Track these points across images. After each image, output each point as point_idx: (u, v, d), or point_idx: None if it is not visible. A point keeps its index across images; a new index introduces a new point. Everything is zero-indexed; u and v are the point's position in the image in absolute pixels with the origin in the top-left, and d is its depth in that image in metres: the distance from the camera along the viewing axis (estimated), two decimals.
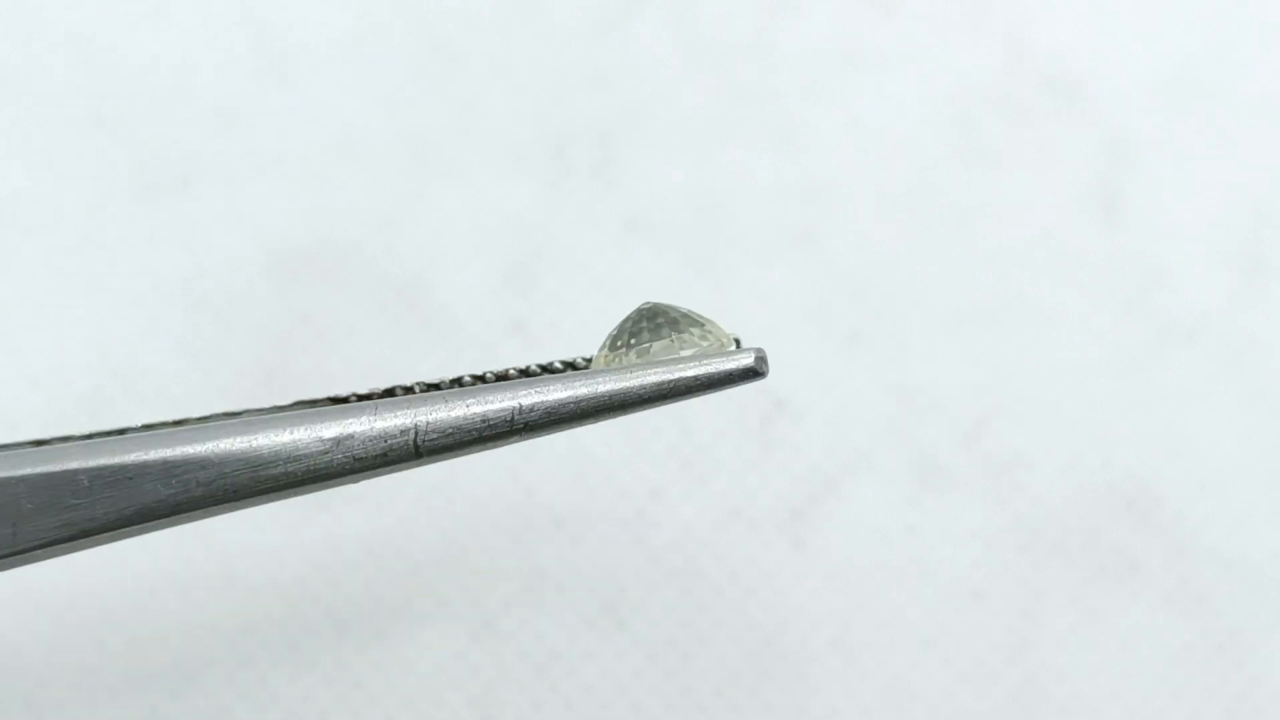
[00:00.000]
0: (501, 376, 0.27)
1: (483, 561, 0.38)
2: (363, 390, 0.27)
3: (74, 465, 0.25)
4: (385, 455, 0.26)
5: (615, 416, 0.26)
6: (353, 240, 0.41)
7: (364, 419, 0.26)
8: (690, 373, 0.26)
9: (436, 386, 0.27)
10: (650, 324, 0.27)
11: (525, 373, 0.27)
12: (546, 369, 0.27)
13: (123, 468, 0.26)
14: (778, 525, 0.39)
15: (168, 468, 0.26)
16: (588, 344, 0.31)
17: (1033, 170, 0.42)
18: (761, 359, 0.26)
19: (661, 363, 0.26)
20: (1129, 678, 0.38)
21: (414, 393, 0.27)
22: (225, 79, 0.43)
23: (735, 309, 0.41)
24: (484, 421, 0.26)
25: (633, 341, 0.27)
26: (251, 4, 0.43)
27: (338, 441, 0.26)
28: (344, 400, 0.27)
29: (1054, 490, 0.40)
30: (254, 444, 0.26)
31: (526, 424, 0.26)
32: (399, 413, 0.26)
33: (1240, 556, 0.39)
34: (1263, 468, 0.40)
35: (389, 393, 0.27)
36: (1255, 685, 0.38)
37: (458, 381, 0.27)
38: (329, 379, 0.39)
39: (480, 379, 0.27)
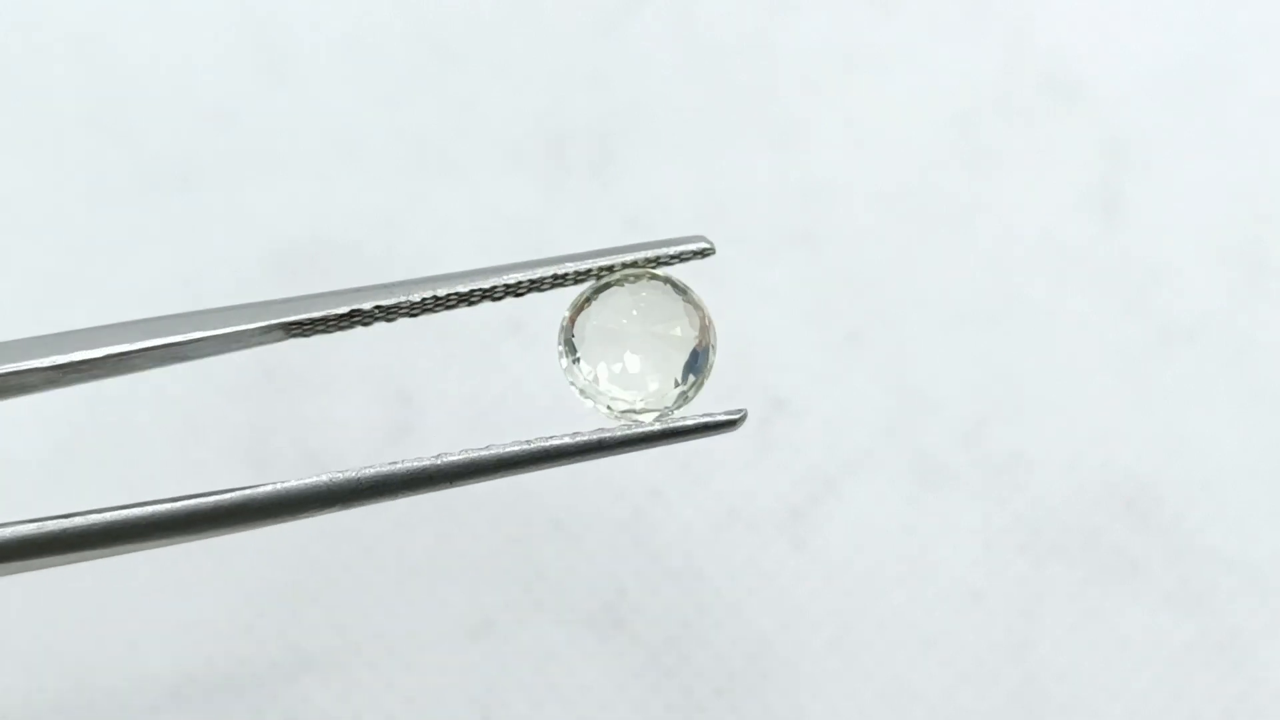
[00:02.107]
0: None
1: (482, 561, 0.38)
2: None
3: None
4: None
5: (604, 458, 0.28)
6: (353, 240, 0.41)
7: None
8: (675, 426, 0.28)
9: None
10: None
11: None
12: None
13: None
14: (777, 525, 0.39)
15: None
16: None
17: (1033, 170, 0.42)
18: (744, 417, 0.28)
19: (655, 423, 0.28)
20: (1129, 678, 0.38)
21: None
22: (225, 79, 0.43)
23: (735, 309, 0.41)
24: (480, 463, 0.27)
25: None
26: (251, 4, 0.43)
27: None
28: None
29: (1054, 490, 0.39)
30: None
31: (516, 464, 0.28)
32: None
33: (1240, 556, 0.39)
34: (1263, 468, 0.40)
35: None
36: (1255, 685, 0.38)
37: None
38: (328, 378, 0.40)
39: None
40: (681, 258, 0.28)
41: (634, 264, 0.28)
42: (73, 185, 0.41)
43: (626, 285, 0.28)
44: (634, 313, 0.28)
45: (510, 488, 0.39)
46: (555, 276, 0.28)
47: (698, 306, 0.28)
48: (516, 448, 0.28)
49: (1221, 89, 0.43)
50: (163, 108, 0.42)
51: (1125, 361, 0.41)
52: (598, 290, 0.28)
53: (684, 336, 0.28)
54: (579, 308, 0.28)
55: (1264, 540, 0.39)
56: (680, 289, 0.28)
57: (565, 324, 0.28)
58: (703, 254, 0.28)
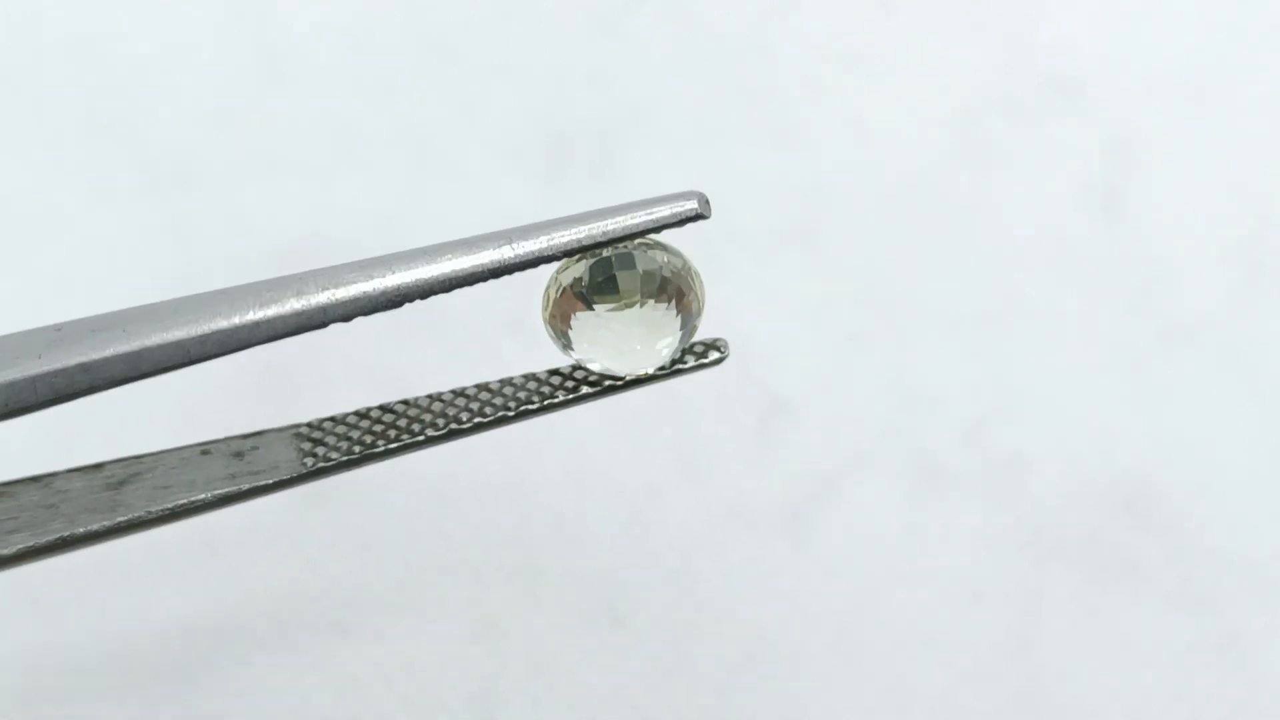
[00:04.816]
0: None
1: (482, 561, 0.38)
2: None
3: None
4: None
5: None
6: (352, 239, 0.41)
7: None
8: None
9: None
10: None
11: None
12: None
13: None
14: (777, 525, 0.39)
15: None
16: None
17: (1033, 169, 0.42)
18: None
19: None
20: (1129, 678, 0.38)
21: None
22: (225, 79, 0.43)
23: (735, 308, 0.41)
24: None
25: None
26: (251, 3, 0.43)
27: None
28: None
29: (1054, 490, 0.39)
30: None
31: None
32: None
33: (1241, 556, 0.39)
34: (1264, 467, 0.40)
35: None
36: (1256, 686, 0.38)
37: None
38: (326, 378, 0.40)
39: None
40: (673, 224, 0.27)
41: (626, 239, 0.27)
42: (73, 185, 0.41)
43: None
44: (633, 316, 0.27)
45: (510, 488, 0.39)
46: (566, 252, 0.26)
47: (691, 277, 0.28)
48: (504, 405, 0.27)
49: (1222, 88, 0.43)
50: (163, 108, 0.42)
51: (1126, 361, 0.41)
52: (589, 285, 0.27)
53: (680, 317, 0.27)
54: (570, 301, 0.27)
55: (1265, 540, 0.39)
56: (672, 267, 0.27)
57: (553, 317, 0.28)
58: (696, 218, 0.26)
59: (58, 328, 0.25)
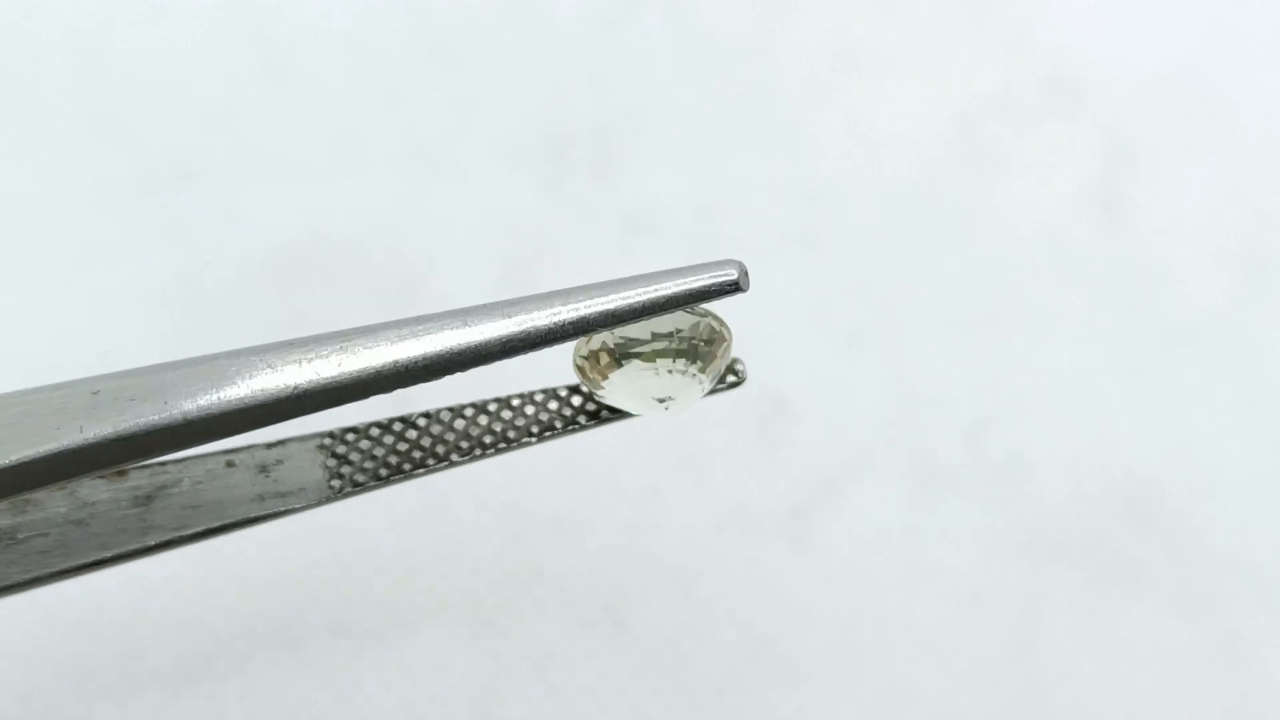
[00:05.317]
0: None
1: (482, 561, 0.38)
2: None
3: None
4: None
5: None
6: (353, 240, 0.41)
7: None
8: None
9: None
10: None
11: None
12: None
13: None
14: (777, 526, 0.39)
15: None
16: None
17: (1034, 169, 0.42)
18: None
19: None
20: (1130, 679, 0.38)
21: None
22: (225, 79, 0.43)
23: (735, 309, 0.41)
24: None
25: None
26: (251, 4, 0.43)
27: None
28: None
29: (1055, 490, 0.39)
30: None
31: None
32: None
33: (1242, 557, 0.39)
34: (1265, 468, 0.40)
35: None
36: (1257, 686, 0.38)
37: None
38: None
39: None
40: (712, 294, 0.26)
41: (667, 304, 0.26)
42: (73, 185, 0.41)
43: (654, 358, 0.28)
44: (662, 375, 0.28)
45: (510, 488, 0.39)
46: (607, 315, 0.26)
47: (722, 336, 0.28)
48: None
49: (1223, 89, 0.43)
50: (163, 108, 0.42)
51: (1126, 361, 0.41)
52: (621, 350, 0.27)
53: (709, 379, 0.28)
54: (601, 356, 0.28)
55: (1266, 541, 0.39)
56: (705, 343, 0.28)
57: (582, 368, 0.28)
58: (734, 290, 0.26)
59: (94, 390, 0.25)
